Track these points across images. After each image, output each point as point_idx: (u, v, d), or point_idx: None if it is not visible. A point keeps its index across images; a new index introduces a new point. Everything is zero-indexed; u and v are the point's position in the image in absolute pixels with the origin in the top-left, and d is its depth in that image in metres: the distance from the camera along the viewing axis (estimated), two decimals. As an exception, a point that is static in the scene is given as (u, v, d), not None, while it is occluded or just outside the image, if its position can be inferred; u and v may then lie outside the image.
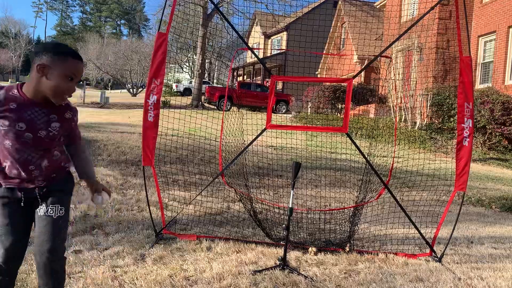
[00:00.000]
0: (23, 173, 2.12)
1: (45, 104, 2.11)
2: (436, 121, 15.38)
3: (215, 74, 40.57)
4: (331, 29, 25.59)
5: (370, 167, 4.18)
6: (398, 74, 13.09)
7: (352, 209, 4.50)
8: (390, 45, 4.42)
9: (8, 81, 63.66)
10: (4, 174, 2.13)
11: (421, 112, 15.32)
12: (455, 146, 3.99)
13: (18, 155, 2.10)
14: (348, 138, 4.23)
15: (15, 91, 2.06)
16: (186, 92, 35.39)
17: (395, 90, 12.82)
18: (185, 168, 6.09)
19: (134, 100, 33.87)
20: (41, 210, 2.19)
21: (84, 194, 5.28)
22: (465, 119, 3.93)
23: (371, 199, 4.37)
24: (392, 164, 4.46)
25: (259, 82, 29.65)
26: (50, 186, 2.22)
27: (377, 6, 22.85)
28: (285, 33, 33.22)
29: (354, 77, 4.30)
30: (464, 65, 3.93)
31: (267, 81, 26.48)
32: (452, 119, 14.38)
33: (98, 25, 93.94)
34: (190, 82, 37.75)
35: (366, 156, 4.26)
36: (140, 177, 6.58)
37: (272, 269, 3.47)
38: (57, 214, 2.19)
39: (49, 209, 2.19)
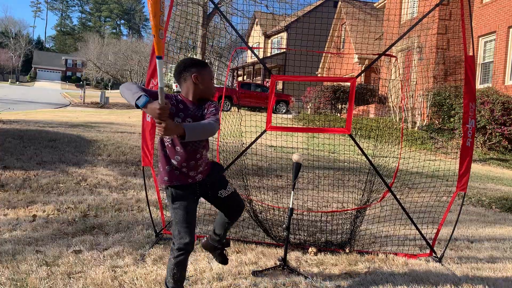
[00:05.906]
0: None
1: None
2: (436, 122, 15.37)
3: (215, 74, 40.49)
4: (332, 28, 25.58)
5: (373, 169, 4.15)
6: (399, 74, 13.10)
7: (354, 211, 4.46)
8: (394, 43, 4.39)
9: (8, 81, 63.64)
10: None
11: (421, 112, 15.31)
12: (458, 146, 3.98)
13: None
14: (351, 139, 4.21)
15: None
16: (186, 92, 35.31)
17: (401, 90, 12.82)
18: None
19: (134, 100, 33.79)
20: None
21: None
22: (469, 119, 3.90)
23: (374, 201, 4.34)
24: (398, 166, 4.43)
25: (259, 82, 29.63)
26: None
27: (377, 6, 22.86)
28: (285, 33, 33.20)
29: (357, 76, 4.25)
30: (468, 64, 3.90)
31: (267, 81, 26.44)
32: (452, 119, 14.37)
33: (98, 25, 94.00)
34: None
35: (370, 157, 4.23)
36: (140, 177, 6.57)
37: (272, 269, 3.47)
38: None
39: None
